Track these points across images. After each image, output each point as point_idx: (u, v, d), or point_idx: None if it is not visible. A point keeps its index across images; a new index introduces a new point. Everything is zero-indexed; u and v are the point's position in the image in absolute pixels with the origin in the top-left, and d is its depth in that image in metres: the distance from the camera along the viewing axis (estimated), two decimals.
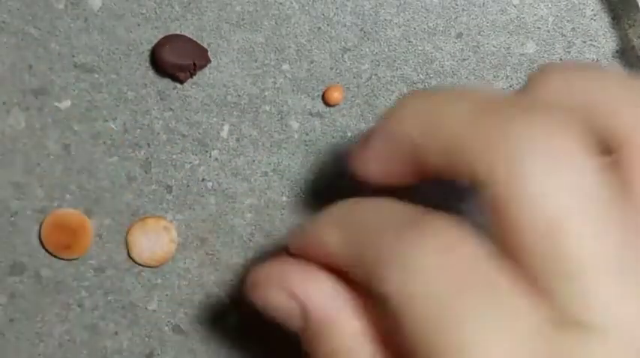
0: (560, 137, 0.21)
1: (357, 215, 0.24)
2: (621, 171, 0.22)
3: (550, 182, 0.21)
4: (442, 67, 0.34)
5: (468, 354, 0.20)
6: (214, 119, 0.34)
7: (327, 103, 0.34)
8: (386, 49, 0.34)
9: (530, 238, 0.21)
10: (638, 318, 0.20)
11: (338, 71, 0.34)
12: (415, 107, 0.24)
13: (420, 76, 0.34)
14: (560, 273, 0.21)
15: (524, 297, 0.21)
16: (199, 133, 0.34)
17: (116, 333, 0.35)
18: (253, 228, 0.35)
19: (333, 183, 0.35)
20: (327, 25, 0.34)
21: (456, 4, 0.34)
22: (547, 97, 0.24)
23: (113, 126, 0.34)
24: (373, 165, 0.26)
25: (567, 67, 0.24)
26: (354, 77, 0.34)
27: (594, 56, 0.34)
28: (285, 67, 0.34)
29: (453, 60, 0.34)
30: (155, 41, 0.34)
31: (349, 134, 0.35)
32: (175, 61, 0.33)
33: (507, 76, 0.35)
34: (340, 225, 0.24)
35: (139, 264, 0.35)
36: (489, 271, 0.21)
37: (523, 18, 0.34)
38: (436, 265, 0.21)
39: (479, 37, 0.34)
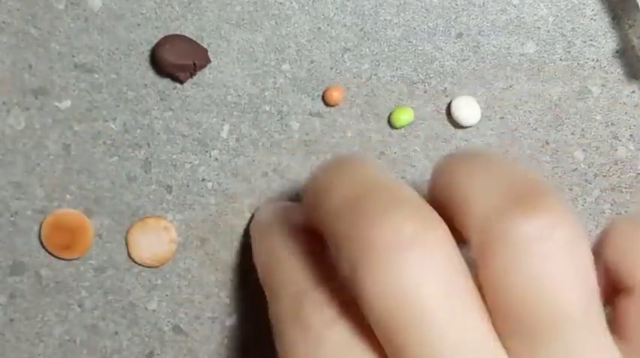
0: (422, 232, 0.22)
1: (272, 253, 0.28)
2: (477, 264, 0.22)
3: (407, 276, 0.21)
4: (442, 67, 0.34)
5: None
6: (214, 119, 0.34)
7: (327, 103, 0.34)
8: (386, 49, 0.34)
9: (386, 332, 0.21)
10: None
11: (338, 71, 0.34)
12: (316, 178, 0.26)
13: (420, 76, 0.34)
14: None
15: None
16: (199, 133, 0.34)
17: (116, 333, 0.35)
18: None
19: None
20: (327, 25, 0.34)
21: (456, 4, 0.34)
22: (433, 188, 0.25)
23: (113, 126, 0.34)
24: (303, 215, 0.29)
25: (455, 159, 0.25)
26: (354, 77, 0.34)
27: (594, 56, 0.34)
28: (285, 67, 0.34)
29: (453, 60, 0.34)
30: (155, 41, 0.34)
31: (349, 134, 0.35)
32: (175, 61, 0.33)
33: (507, 76, 0.35)
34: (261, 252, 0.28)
35: (139, 264, 0.35)
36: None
37: (523, 18, 0.34)
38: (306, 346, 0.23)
39: (479, 37, 0.34)
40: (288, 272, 0.26)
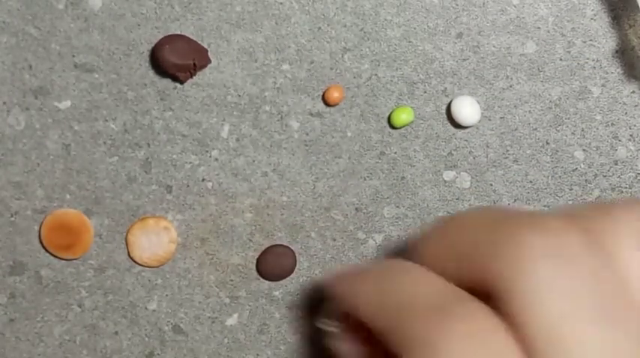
0: (563, 239, 0.23)
1: (393, 284, 0.26)
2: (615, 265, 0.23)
3: (555, 284, 0.22)
4: (442, 67, 0.34)
5: None
6: (214, 119, 0.34)
7: (327, 103, 0.34)
8: (386, 49, 0.34)
9: (536, 342, 0.22)
10: None
11: (338, 71, 0.34)
12: (442, 230, 0.26)
13: (420, 76, 0.34)
14: None
15: None
16: (199, 133, 0.34)
17: (116, 333, 0.35)
18: (253, 228, 0.35)
19: (333, 182, 0.35)
20: (327, 25, 0.34)
21: (456, 4, 0.34)
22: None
23: (113, 126, 0.34)
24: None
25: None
26: (354, 77, 0.34)
27: (594, 56, 0.35)
28: (285, 67, 0.34)
29: (453, 60, 0.34)
30: (155, 41, 0.34)
31: (349, 134, 0.35)
32: (175, 61, 0.33)
33: (507, 76, 0.35)
34: (375, 292, 0.26)
35: (139, 264, 0.35)
36: None
37: (523, 18, 0.34)
38: (461, 352, 0.22)
39: (479, 37, 0.34)
40: (419, 292, 0.25)
